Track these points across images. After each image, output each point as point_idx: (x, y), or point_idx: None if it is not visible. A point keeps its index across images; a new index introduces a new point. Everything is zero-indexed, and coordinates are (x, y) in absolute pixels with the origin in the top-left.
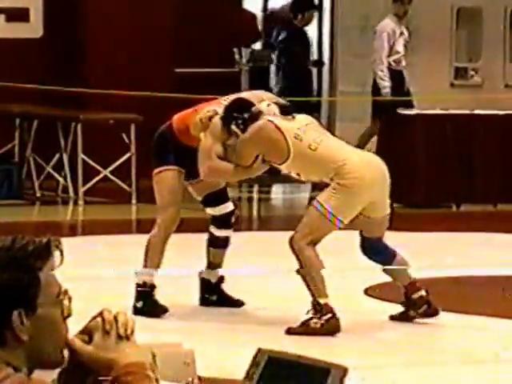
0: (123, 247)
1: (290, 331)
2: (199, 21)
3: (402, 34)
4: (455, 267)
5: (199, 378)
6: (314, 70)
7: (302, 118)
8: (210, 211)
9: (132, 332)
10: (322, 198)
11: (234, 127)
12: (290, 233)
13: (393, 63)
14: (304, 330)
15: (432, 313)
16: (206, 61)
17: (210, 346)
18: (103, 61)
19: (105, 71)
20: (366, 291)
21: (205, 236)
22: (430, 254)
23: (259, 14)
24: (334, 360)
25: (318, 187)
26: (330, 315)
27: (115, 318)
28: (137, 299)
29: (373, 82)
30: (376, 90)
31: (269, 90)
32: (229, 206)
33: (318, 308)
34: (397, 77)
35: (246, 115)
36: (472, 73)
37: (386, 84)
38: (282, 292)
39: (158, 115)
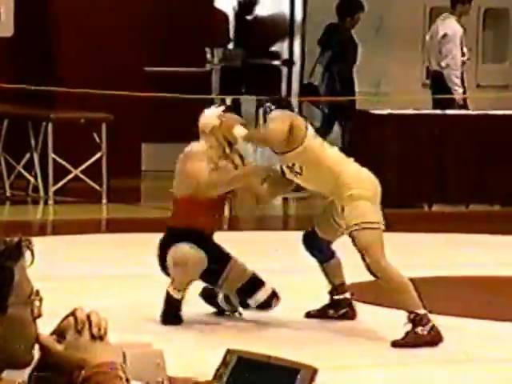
0: (94, 247)
1: (395, 344)
2: (171, 20)
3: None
4: (425, 267)
5: (169, 379)
6: (285, 70)
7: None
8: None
9: (105, 332)
10: (353, 217)
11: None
12: (261, 233)
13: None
14: (412, 339)
15: (351, 316)
16: (177, 60)
17: (180, 346)
18: (74, 60)
19: (75, 70)
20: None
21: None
22: (401, 253)
23: (232, 12)
24: (304, 361)
25: None
26: (431, 324)
27: (88, 318)
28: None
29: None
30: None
31: (239, 89)
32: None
33: (418, 319)
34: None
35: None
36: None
37: (460, 91)
38: None
39: (128, 114)
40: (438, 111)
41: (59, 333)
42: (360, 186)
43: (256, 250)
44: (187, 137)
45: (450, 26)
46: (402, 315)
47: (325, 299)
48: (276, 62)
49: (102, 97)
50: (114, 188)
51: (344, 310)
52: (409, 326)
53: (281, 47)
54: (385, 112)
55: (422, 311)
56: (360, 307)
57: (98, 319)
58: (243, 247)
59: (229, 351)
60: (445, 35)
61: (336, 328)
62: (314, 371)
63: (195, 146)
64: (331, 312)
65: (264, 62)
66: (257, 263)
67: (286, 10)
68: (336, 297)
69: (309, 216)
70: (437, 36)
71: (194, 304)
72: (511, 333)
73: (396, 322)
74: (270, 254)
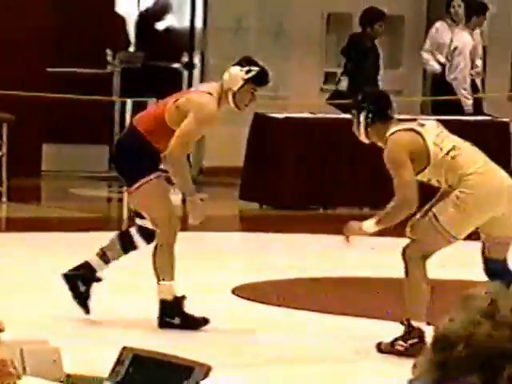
0: None
1: (379, 347)
2: (72, 22)
3: (474, 47)
4: (318, 268)
5: (67, 375)
6: (185, 73)
7: (433, 126)
8: (139, 222)
9: (1, 330)
10: (438, 209)
11: (362, 119)
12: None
13: (473, 74)
14: (389, 350)
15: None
16: (79, 61)
17: (77, 343)
18: None
19: None
20: (234, 291)
21: None
22: (296, 254)
23: (133, 16)
24: (201, 359)
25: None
26: (416, 340)
27: None
28: (169, 316)
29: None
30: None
31: (140, 90)
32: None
33: (408, 330)
34: (473, 87)
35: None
36: (341, 78)
37: (469, 103)
38: (144, 290)
39: (30, 115)
40: (335, 115)
41: None
42: (476, 190)
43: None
44: (88, 138)
45: (461, 39)
46: None
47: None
48: (176, 65)
49: (3, 97)
50: (15, 187)
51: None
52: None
53: (181, 50)
54: (282, 116)
55: (416, 323)
56: (252, 306)
57: None
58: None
59: (124, 349)
60: (455, 48)
61: (229, 327)
62: (208, 369)
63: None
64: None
65: (164, 65)
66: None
67: (187, 15)
68: None
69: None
70: (449, 46)
71: (97, 300)
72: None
73: (283, 322)
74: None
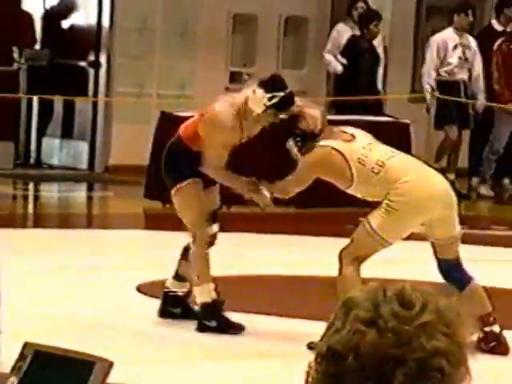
0: None
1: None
2: None
3: (460, 45)
4: (221, 266)
5: None
6: (91, 71)
7: (363, 137)
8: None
9: None
10: (371, 215)
11: (292, 144)
12: (64, 231)
13: (445, 74)
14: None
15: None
16: None
17: None
18: None
19: None
20: (138, 289)
21: None
22: None
23: (39, 14)
24: (104, 355)
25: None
26: None
27: None
28: (207, 319)
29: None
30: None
31: (46, 88)
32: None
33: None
34: (450, 88)
35: (302, 133)
36: (246, 77)
37: (428, 97)
38: (56, 288)
39: None
40: None
41: None
42: (407, 197)
43: (60, 247)
44: None
45: (435, 35)
46: None
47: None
48: (83, 63)
49: None
50: None
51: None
52: None
53: (88, 49)
54: (188, 114)
55: None
56: (156, 303)
57: None
58: (47, 244)
59: (26, 344)
60: (427, 44)
61: (133, 323)
62: (110, 364)
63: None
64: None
65: (70, 63)
66: (61, 260)
67: (94, 13)
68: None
69: (105, 215)
70: None
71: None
72: (298, 329)
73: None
74: (74, 251)
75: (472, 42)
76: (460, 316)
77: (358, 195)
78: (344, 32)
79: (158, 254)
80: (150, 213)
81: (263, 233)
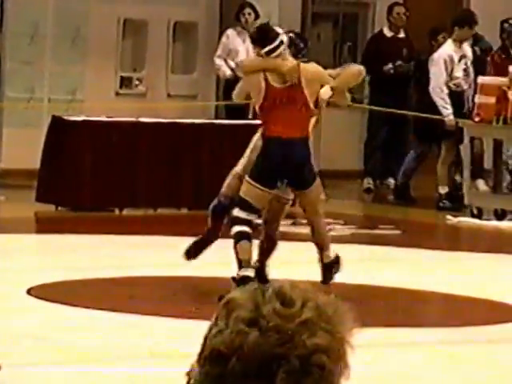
0: None
1: None
2: None
3: (462, 57)
4: (113, 268)
5: None
6: None
7: None
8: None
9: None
10: None
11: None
12: None
13: (453, 86)
14: None
15: None
16: None
17: None
18: None
19: None
20: (29, 291)
21: None
22: (89, 255)
23: None
24: None
25: None
26: None
27: None
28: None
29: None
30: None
31: None
32: None
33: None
34: (456, 98)
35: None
36: (136, 82)
37: (448, 112)
38: None
39: None
40: (132, 119)
41: None
42: None
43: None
44: None
45: (439, 50)
46: None
47: None
48: None
49: None
50: None
51: None
52: None
53: None
54: (79, 119)
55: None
56: (47, 305)
57: None
58: None
59: None
60: (432, 60)
61: (22, 326)
62: None
63: None
64: None
65: None
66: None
67: None
68: None
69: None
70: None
71: None
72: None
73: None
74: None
75: (468, 50)
76: (339, 312)
77: None
78: (234, 37)
79: (49, 257)
80: (41, 216)
81: (154, 235)
